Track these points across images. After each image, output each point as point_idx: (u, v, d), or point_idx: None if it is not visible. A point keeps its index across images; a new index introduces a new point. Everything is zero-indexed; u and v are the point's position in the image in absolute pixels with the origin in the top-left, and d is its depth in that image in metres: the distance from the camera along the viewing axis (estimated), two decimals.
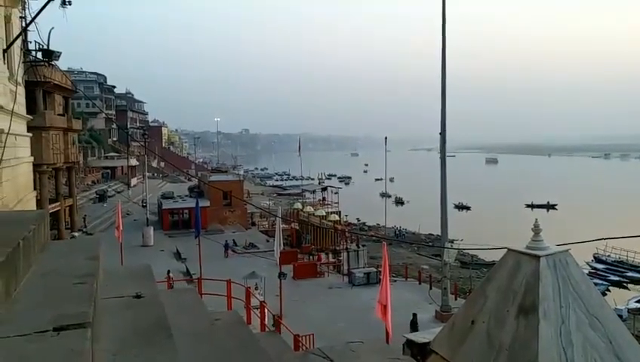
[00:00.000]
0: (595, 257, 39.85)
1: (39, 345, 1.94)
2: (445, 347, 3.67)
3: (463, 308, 3.83)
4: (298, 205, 44.88)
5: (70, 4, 14.26)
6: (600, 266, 38.30)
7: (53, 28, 13.03)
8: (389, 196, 68.90)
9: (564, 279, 3.35)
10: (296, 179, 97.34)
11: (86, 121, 66.41)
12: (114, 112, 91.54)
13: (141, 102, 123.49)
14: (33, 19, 10.59)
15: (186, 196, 48.66)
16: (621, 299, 30.61)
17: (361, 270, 28.95)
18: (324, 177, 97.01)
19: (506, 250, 3.67)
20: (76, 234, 34.92)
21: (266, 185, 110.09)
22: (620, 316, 22.08)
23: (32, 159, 11.79)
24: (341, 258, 31.89)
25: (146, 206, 45.67)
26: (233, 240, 38.30)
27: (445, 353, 3.64)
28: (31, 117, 12.36)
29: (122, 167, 75.86)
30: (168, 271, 23.89)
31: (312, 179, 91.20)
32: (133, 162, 76.85)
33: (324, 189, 51.24)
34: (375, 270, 27.94)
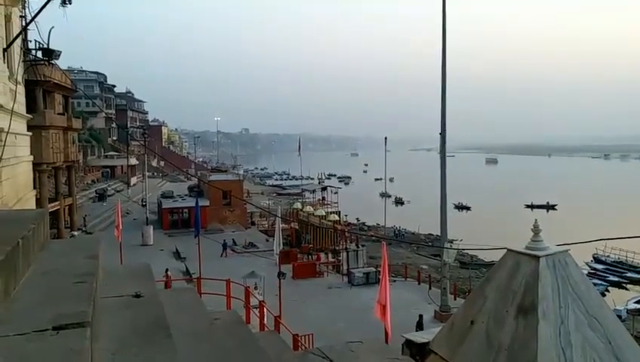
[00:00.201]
0: (594, 257, 39.87)
1: (39, 344, 1.94)
2: (444, 347, 3.68)
3: (462, 308, 3.84)
4: (298, 205, 44.88)
5: (70, 4, 14.29)
6: (599, 266, 38.31)
7: (53, 27, 13.06)
8: (389, 196, 68.91)
9: (564, 279, 3.35)
10: (296, 179, 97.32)
11: (86, 120, 66.40)
12: (114, 111, 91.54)
13: (141, 101, 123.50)
14: (33, 18, 10.59)
15: (186, 195, 48.68)
16: (620, 299, 30.62)
17: (361, 270, 28.96)
18: (323, 177, 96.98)
19: (505, 250, 3.67)
20: (76, 233, 34.90)
21: (266, 185, 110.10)
22: (619, 316, 22.09)
23: (31, 158, 11.79)
24: (340, 258, 31.90)
25: (145, 205, 45.67)
26: (233, 239, 38.30)
27: (444, 353, 3.64)
28: (31, 116, 12.36)
29: (122, 166, 75.88)
30: (166, 270, 23.82)
31: (312, 179, 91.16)
32: (133, 161, 76.86)
33: (324, 189, 51.25)
34: (374, 270, 27.94)
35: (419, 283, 28.88)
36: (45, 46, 13.89)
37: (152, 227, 39.46)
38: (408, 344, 11.19)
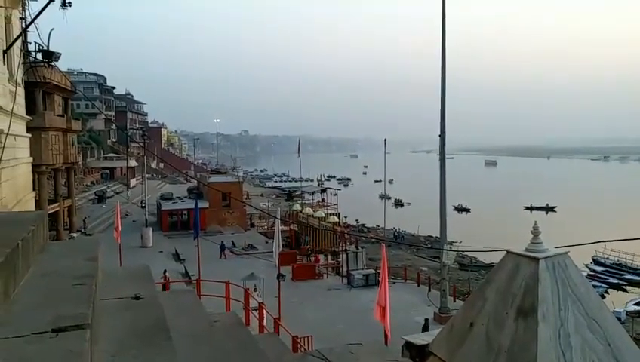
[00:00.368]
0: (594, 259, 39.88)
1: (38, 346, 1.94)
2: (444, 349, 3.67)
3: (461, 310, 3.83)
4: (297, 206, 44.87)
5: (70, 6, 14.27)
6: (599, 269, 38.32)
7: (53, 29, 13.03)
8: (389, 198, 68.97)
9: (563, 281, 3.35)
10: (296, 181, 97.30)
11: (85, 122, 66.38)
12: (113, 113, 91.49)
13: (140, 103, 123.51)
14: (33, 20, 10.60)
15: (185, 197, 48.68)
16: (620, 301, 30.61)
17: (360, 271, 28.94)
18: (323, 179, 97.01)
19: (504, 252, 3.68)
20: (75, 234, 34.90)
21: (265, 187, 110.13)
22: (619, 318, 22.06)
23: (31, 160, 11.79)
24: (340, 259, 31.88)
25: (145, 207, 45.63)
26: (232, 241, 38.28)
27: (444, 355, 3.63)
28: (30, 117, 12.35)
29: (121, 167, 75.82)
30: (164, 271, 23.76)
31: (312, 181, 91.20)
32: (133, 163, 76.80)
33: (324, 191, 51.27)
34: (374, 272, 27.92)
35: (418, 285, 28.87)
36: (45, 48, 13.88)
37: (151, 229, 39.42)
38: (408, 346, 11.17)
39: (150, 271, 4.11)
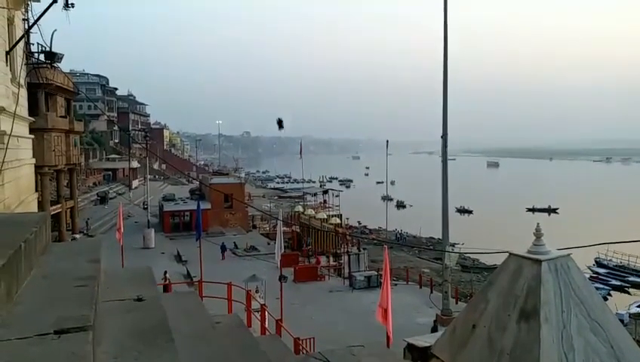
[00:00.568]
0: (596, 261, 39.79)
1: (41, 348, 1.94)
2: (446, 351, 3.67)
3: (464, 312, 3.83)
4: (299, 208, 44.87)
5: (73, 7, 14.33)
6: (601, 271, 38.22)
7: (55, 30, 13.06)
8: (391, 199, 68.89)
9: (566, 283, 3.35)
10: (298, 182, 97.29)
11: (88, 123, 66.50)
12: (116, 114, 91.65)
13: (143, 104, 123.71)
14: (36, 21, 10.62)
15: (187, 198, 48.70)
16: (622, 303, 30.53)
17: (362, 273, 28.91)
18: (325, 180, 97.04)
19: (507, 254, 3.67)
20: (77, 236, 34.94)
21: (267, 188, 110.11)
22: (622, 321, 22.00)
23: (33, 161, 11.81)
24: (342, 261, 31.86)
25: (147, 208, 45.71)
26: (234, 242, 38.30)
27: (446, 357, 3.63)
28: (33, 119, 12.37)
29: (123, 169, 75.96)
30: (165, 273, 23.73)
31: (314, 182, 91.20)
32: (135, 164, 76.92)
33: (325, 192, 51.26)
34: (376, 273, 27.91)
35: (420, 287, 28.83)
36: (48, 49, 13.91)
37: (153, 230, 39.47)
38: (410, 348, 11.16)
39: (152, 273, 4.11)
